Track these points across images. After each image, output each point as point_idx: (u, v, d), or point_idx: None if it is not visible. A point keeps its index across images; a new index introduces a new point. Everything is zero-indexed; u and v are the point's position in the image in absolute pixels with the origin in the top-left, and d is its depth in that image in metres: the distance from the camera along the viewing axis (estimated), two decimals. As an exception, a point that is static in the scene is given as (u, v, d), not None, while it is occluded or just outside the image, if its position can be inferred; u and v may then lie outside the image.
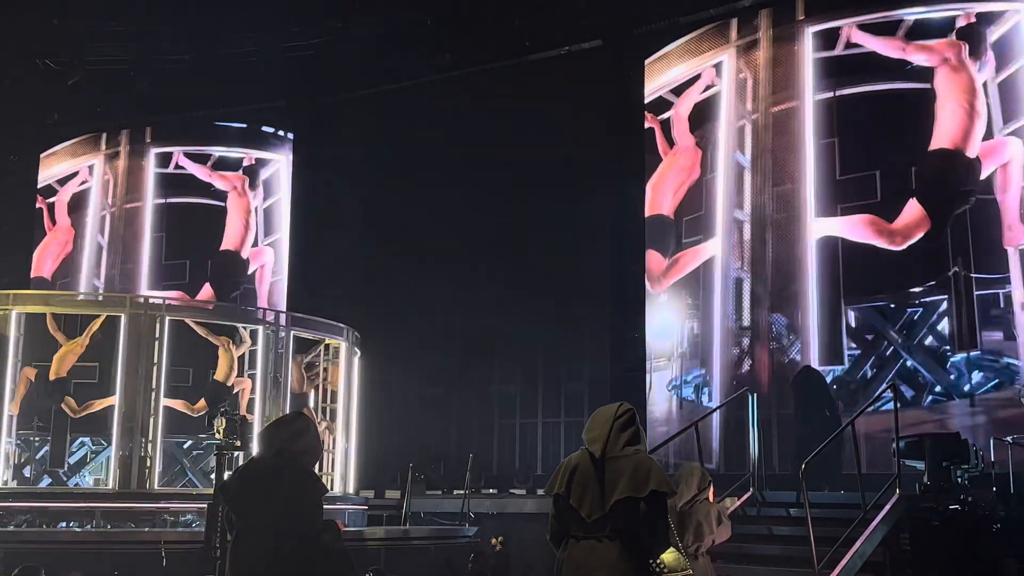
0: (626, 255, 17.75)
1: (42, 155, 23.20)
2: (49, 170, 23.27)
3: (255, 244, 22.07)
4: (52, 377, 15.52)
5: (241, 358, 16.14)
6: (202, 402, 15.85)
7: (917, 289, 14.37)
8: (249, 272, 21.93)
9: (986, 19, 14.75)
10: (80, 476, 16.82)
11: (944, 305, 14.27)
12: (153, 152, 22.78)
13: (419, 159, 19.90)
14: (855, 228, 14.89)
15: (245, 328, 16.23)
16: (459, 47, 19.52)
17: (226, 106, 22.15)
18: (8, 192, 23.05)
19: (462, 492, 16.84)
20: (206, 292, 21.49)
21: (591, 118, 18.61)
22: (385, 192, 20.39)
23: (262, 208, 22.24)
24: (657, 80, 17.65)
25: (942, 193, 14.40)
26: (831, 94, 15.59)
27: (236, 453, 11.32)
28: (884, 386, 13.31)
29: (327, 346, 17.07)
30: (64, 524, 14.04)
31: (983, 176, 14.24)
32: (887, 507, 9.76)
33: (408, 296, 19.57)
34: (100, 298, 17.40)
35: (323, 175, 21.38)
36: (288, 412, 6.42)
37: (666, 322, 17.08)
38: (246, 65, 21.02)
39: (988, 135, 14.39)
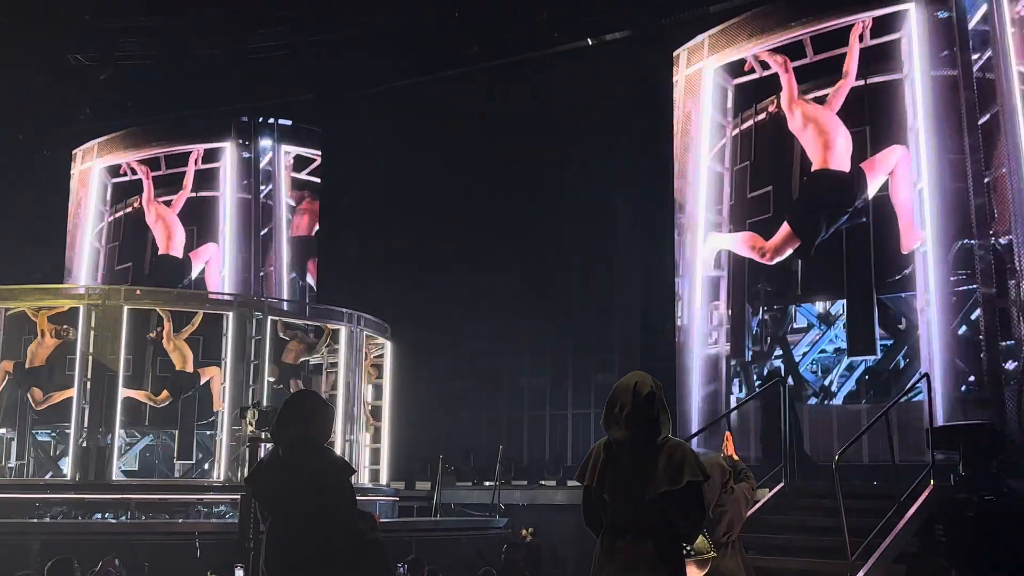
0: (656, 246, 17.67)
1: (74, 151, 23.39)
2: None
3: (200, 243, 21.79)
4: (27, 367, 15.65)
5: (206, 346, 16.05)
6: (165, 392, 15.87)
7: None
8: (195, 273, 21.64)
9: (884, 25, 14.89)
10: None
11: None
12: (99, 166, 22.82)
13: (447, 151, 19.92)
14: (737, 244, 16.06)
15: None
16: (486, 39, 19.51)
17: (255, 100, 22.24)
18: (41, 187, 23.29)
19: (492, 483, 16.88)
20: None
21: (619, 109, 18.54)
22: (413, 185, 20.44)
23: (224, 199, 21.96)
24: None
25: (809, 212, 15.18)
26: (745, 122, 16.41)
27: (267, 444, 11.43)
28: (917, 376, 13.19)
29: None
30: (99, 515, 14.20)
31: (875, 187, 14.58)
32: (921, 498, 9.70)
33: (438, 289, 19.60)
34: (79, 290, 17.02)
35: (351, 168, 21.43)
36: (294, 393, 6.45)
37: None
38: (274, 60, 21.12)
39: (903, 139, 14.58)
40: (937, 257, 13.89)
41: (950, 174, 13.98)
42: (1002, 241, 13.51)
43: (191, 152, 22.11)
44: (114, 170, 22.82)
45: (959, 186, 13.83)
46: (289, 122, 22.27)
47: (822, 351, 16.15)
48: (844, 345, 15.23)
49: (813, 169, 15.24)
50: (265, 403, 14.90)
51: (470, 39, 19.41)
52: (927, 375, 12.14)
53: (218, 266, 21.54)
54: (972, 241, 13.65)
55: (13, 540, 12.21)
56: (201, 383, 15.98)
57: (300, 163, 22.48)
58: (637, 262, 18.23)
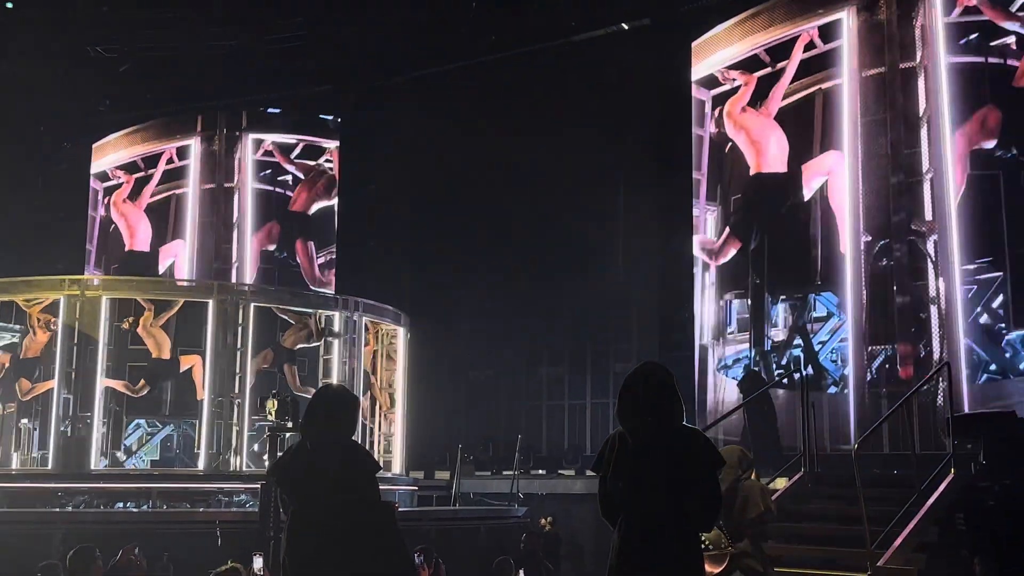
0: (674, 236, 17.64)
1: (95, 145, 23.50)
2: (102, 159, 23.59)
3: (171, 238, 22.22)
4: (21, 358, 15.74)
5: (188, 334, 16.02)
6: (142, 381, 15.89)
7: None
8: (162, 268, 21.95)
9: (829, 32, 15.74)
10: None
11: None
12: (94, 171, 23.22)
13: (465, 141, 19.88)
14: (696, 247, 17.18)
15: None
16: (503, 28, 19.45)
17: (272, 91, 22.28)
18: (62, 179, 23.42)
19: (511, 473, 16.91)
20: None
21: (638, 99, 18.47)
22: (431, 175, 20.43)
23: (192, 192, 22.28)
24: (708, 60, 17.49)
25: (744, 215, 16.50)
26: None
27: (287, 434, 11.49)
28: (938, 366, 13.13)
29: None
30: (121, 504, 14.31)
31: (812, 188, 15.63)
32: (942, 486, 9.64)
33: (456, 278, 19.62)
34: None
35: (369, 159, 21.46)
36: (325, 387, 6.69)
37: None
38: (292, 51, 21.12)
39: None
40: (853, 257, 14.76)
41: (875, 174, 14.71)
42: (933, 240, 14.19)
43: (163, 152, 22.51)
44: (103, 176, 23.24)
45: (881, 185, 14.64)
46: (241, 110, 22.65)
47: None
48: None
49: (750, 173, 16.37)
50: (249, 391, 15.02)
51: (486, 29, 19.34)
52: (948, 364, 12.06)
53: (185, 263, 21.91)
54: (887, 241, 14.53)
55: (36, 530, 12.32)
56: (181, 371, 15.85)
57: (286, 150, 22.57)
58: (655, 251, 18.20)
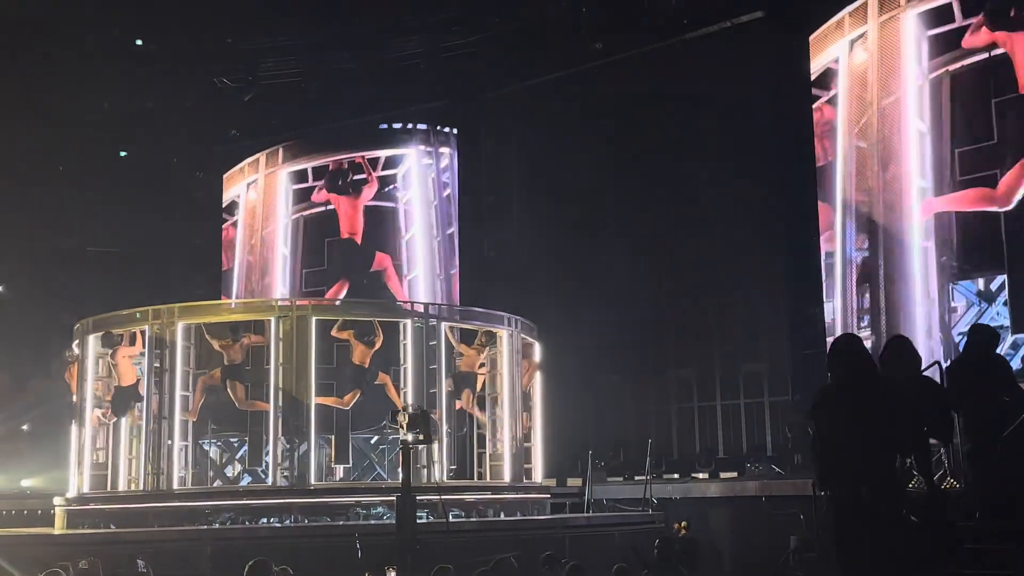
0: (800, 232, 17.28)
1: (225, 175, 24.35)
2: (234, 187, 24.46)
3: None
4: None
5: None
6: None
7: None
8: None
9: None
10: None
11: None
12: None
13: (582, 146, 19.87)
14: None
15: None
16: (614, 32, 19.37)
17: (392, 108, 22.68)
18: (196, 208, 24.30)
19: (643, 478, 16.78)
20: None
21: (755, 94, 18.13)
22: (549, 182, 20.45)
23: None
24: (825, 51, 17.03)
25: None
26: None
27: (421, 447, 11.65)
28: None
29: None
30: (264, 520, 14.74)
31: None
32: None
33: (581, 284, 19.58)
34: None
35: (488, 169, 21.64)
36: None
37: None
38: (409, 68, 21.51)
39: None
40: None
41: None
42: None
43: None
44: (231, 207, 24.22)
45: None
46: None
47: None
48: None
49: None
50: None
51: (598, 32, 19.28)
52: None
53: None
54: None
55: (187, 547, 12.82)
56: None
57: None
58: (781, 247, 17.84)
